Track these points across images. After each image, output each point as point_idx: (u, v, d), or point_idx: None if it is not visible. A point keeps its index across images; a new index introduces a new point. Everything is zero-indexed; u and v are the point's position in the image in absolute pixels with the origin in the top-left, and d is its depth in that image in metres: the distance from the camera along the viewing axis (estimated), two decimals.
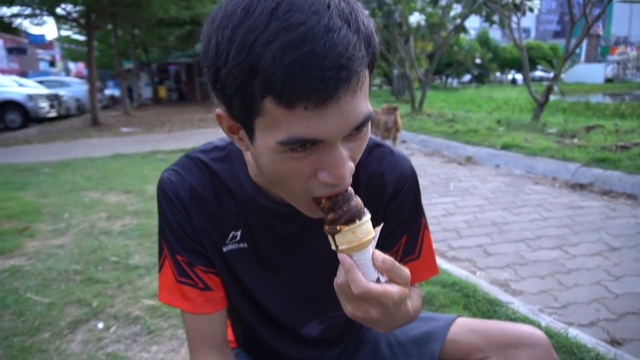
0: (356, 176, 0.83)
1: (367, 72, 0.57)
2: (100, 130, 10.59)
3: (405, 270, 0.63)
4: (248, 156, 0.80)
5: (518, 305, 1.91)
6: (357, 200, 0.61)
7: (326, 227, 0.61)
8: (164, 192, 0.80)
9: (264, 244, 0.84)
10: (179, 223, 0.80)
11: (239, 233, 0.83)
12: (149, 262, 2.61)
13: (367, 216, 0.61)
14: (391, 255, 0.63)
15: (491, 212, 3.61)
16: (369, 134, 0.64)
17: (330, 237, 0.61)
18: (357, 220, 0.59)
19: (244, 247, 0.84)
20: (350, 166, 0.60)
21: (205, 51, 0.57)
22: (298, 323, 0.94)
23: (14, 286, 2.31)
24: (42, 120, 12.69)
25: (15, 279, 2.41)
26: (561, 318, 1.98)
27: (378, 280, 0.61)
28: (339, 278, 0.62)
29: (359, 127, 0.58)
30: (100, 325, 1.97)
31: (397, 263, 0.62)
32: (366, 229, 0.60)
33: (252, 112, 0.56)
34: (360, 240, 0.59)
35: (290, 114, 0.52)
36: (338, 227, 0.59)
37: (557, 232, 3.10)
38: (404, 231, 0.88)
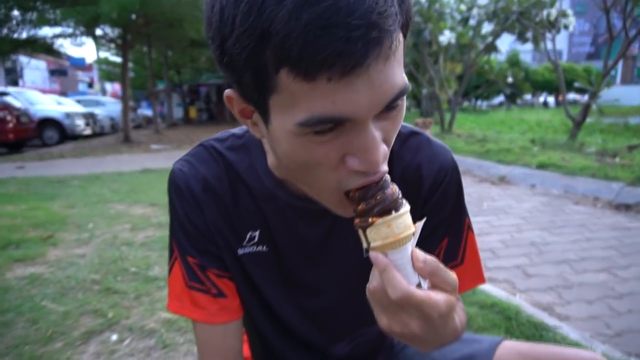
0: (389, 168, 0.72)
1: (401, 36, 0.47)
2: (131, 146, 10.82)
3: (452, 274, 0.51)
4: (268, 145, 0.70)
5: (567, 330, 1.72)
6: (394, 189, 0.52)
7: (356, 221, 0.51)
8: (175, 185, 0.71)
9: (285, 249, 0.73)
10: (191, 219, 0.70)
11: (257, 234, 0.73)
12: None
13: (406, 208, 0.51)
14: None
15: (529, 232, 3.39)
16: (404, 112, 0.53)
17: (361, 233, 0.51)
18: (394, 212, 0.49)
19: (263, 250, 0.73)
20: (384, 150, 0.50)
21: (208, 19, 0.48)
22: (325, 342, 0.82)
23: (31, 293, 2.26)
24: (77, 137, 13.11)
25: (33, 286, 2.36)
26: (617, 347, 1.77)
27: (419, 286, 0.50)
28: (372, 282, 0.51)
29: (393, 103, 0.47)
30: (114, 337, 1.87)
31: (441, 265, 0.51)
32: (404, 223, 0.49)
33: (265, 89, 0.47)
34: (396, 235, 0.49)
35: (311, 87, 0.43)
36: (370, 220, 0.49)
37: (603, 253, 2.86)
38: (445, 233, 0.75)
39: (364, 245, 0.51)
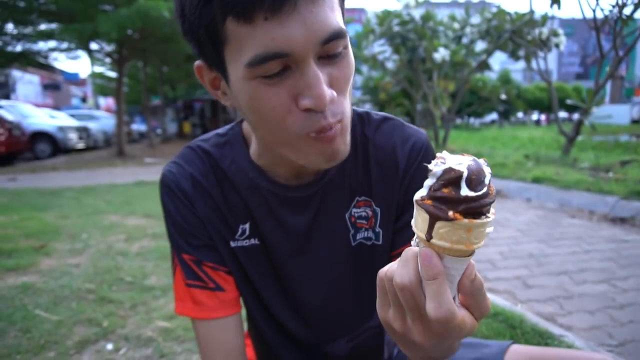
0: (365, 152, 0.73)
1: None
2: (125, 160, 10.76)
3: (488, 302, 0.45)
4: (249, 131, 0.73)
5: (573, 339, 1.70)
6: (492, 188, 0.41)
7: (427, 201, 0.40)
8: (166, 186, 0.73)
9: (273, 241, 0.73)
10: (184, 217, 0.71)
11: (247, 227, 0.73)
12: (165, 283, 2.48)
13: (492, 215, 0.41)
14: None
15: (527, 244, 3.39)
16: (351, 62, 0.56)
17: (422, 216, 0.41)
18: (484, 217, 0.40)
19: (255, 243, 0.73)
20: (331, 93, 0.53)
21: (175, 5, 0.56)
22: (320, 340, 0.79)
23: (23, 302, 2.20)
24: (70, 151, 13.02)
25: (26, 295, 2.30)
26: (620, 356, 1.75)
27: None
28: (403, 277, 0.42)
29: (329, 42, 0.52)
30: (110, 346, 1.82)
31: (484, 289, 0.44)
32: (484, 233, 0.41)
33: (219, 43, 0.53)
34: (470, 245, 0.40)
35: (252, 29, 0.49)
36: (451, 214, 0.38)
37: (602, 265, 2.86)
38: None
39: (419, 234, 0.41)
